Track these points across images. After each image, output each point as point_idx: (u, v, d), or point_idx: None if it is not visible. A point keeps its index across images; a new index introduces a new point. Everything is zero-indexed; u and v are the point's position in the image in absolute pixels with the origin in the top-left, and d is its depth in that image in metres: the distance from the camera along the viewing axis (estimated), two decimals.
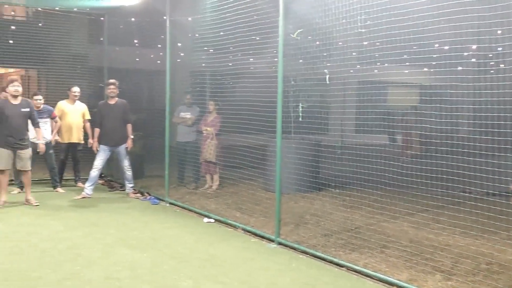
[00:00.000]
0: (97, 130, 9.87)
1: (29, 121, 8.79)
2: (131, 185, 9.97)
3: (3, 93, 10.17)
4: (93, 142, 9.95)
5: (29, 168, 8.79)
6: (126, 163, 9.80)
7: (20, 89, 8.65)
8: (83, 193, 9.59)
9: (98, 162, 9.66)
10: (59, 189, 10.27)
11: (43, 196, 9.51)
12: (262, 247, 6.68)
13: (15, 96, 8.58)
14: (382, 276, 5.40)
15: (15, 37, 13.04)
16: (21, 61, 13.31)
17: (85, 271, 5.52)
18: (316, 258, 6.15)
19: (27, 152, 8.71)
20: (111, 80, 9.92)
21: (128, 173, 9.86)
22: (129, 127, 9.80)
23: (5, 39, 12.99)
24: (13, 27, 13.89)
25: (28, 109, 8.68)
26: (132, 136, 9.80)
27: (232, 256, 6.22)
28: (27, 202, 8.78)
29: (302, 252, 6.37)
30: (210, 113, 10.21)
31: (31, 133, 9.03)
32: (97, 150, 9.83)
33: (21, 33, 12.99)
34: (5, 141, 8.50)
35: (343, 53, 6.90)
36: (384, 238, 6.58)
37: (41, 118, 9.65)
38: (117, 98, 9.82)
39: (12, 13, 15.60)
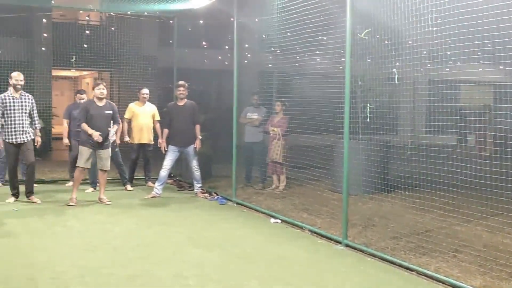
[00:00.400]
0: (165, 131, 10.08)
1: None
2: (199, 185, 10.13)
3: (78, 95, 10.60)
4: (161, 142, 10.19)
5: (108, 168, 9.16)
6: (194, 164, 9.96)
7: (105, 91, 9.04)
8: (153, 192, 9.83)
9: (167, 162, 9.88)
10: (128, 186, 10.62)
11: (114, 195, 9.81)
12: (329, 249, 6.63)
13: (100, 98, 8.95)
14: (454, 282, 5.24)
15: (89, 41, 13.55)
16: (94, 64, 13.83)
17: (155, 268, 5.65)
18: (384, 261, 6.04)
19: (107, 152, 9.06)
20: (180, 82, 10.09)
21: (197, 173, 10.02)
22: (198, 127, 9.96)
23: (80, 43, 13.53)
24: (87, 32, 14.44)
25: (111, 112, 9.03)
26: (200, 137, 9.95)
27: (299, 258, 6.21)
28: (100, 200, 9.10)
29: (370, 255, 6.27)
30: (277, 113, 10.23)
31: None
32: (165, 150, 10.05)
33: (95, 37, 13.47)
34: (87, 141, 8.83)
35: (412, 52, 6.73)
36: (456, 242, 6.39)
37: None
38: (186, 100, 9.98)
39: (87, 18, 16.21)
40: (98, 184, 9.57)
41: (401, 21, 6.44)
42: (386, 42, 6.81)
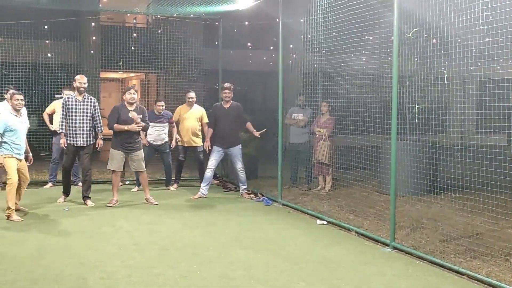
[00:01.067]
0: (210, 131, 10.17)
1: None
2: (245, 186, 10.17)
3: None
4: (206, 142, 10.28)
5: (144, 169, 9.22)
6: (239, 166, 10.00)
7: (135, 96, 9.08)
8: (199, 193, 9.92)
9: (212, 163, 9.97)
10: (171, 187, 10.77)
11: (160, 195, 9.94)
12: (376, 251, 6.55)
13: (131, 103, 9.00)
14: (507, 286, 5.10)
15: (136, 44, 13.79)
16: (141, 66, 14.06)
17: (201, 269, 5.71)
18: (433, 265, 5.93)
19: (140, 154, 9.13)
20: (226, 84, 10.14)
21: (242, 175, 10.06)
22: (249, 125, 10.02)
23: (128, 45, 13.78)
24: (134, 34, 14.70)
25: (141, 116, 9.01)
26: (258, 133, 9.96)
27: (346, 260, 6.16)
28: (146, 201, 9.23)
29: (419, 258, 6.17)
30: (323, 114, 10.17)
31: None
32: (209, 150, 10.15)
33: (142, 39, 13.70)
34: (119, 144, 8.97)
35: (462, 51, 6.58)
36: (509, 245, 6.20)
37: (160, 122, 10.26)
38: (231, 101, 10.04)
39: (134, 21, 16.50)
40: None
41: (450, 20, 6.31)
42: (434, 41, 6.68)
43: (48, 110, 10.65)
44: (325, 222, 7.94)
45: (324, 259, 6.13)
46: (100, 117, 9.14)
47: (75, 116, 8.82)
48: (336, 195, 9.54)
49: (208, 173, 9.95)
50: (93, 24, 14.86)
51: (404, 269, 5.86)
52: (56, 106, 10.36)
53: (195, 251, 6.41)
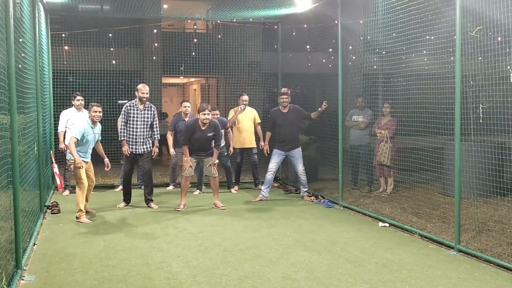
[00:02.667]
0: (268, 134, 10.33)
1: None
2: (306, 189, 10.21)
3: (183, 103, 10.91)
4: (264, 145, 10.42)
5: (216, 175, 9.29)
6: (300, 168, 10.05)
7: (210, 117, 8.99)
8: (260, 195, 10.03)
9: (272, 166, 10.06)
10: (232, 190, 10.93)
11: (221, 197, 9.97)
12: (441, 254, 6.45)
13: (204, 124, 8.95)
14: None
15: (196, 49, 14.03)
16: (201, 71, 14.30)
17: (264, 270, 5.78)
18: (501, 268, 5.79)
19: (211, 159, 9.19)
20: (283, 90, 10.23)
21: (303, 178, 10.10)
22: (313, 114, 10.06)
23: (188, 51, 14.05)
24: (195, 40, 14.96)
25: (213, 133, 9.02)
26: (322, 107, 9.87)
27: (410, 262, 6.10)
28: (215, 206, 9.33)
29: (485, 261, 6.04)
30: (384, 115, 10.09)
31: None
32: (268, 153, 10.30)
33: (202, 45, 13.94)
34: (192, 153, 9.15)
35: None
36: None
37: None
38: (289, 105, 10.12)
39: (194, 27, 16.77)
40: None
41: None
42: (499, 39, 6.52)
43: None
44: (387, 225, 7.88)
45: (387, 262, 6.09)
46: (157, 125, 9.36)
47: (136, 124, 9.06)
48: (398, 197, 9.42)
49: (269, 175, 10.05)
50: (155, 31, 15.23)
51: (470, 272, 5.75)
52: None
53: (258, 252, 6.49)
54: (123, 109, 9.20)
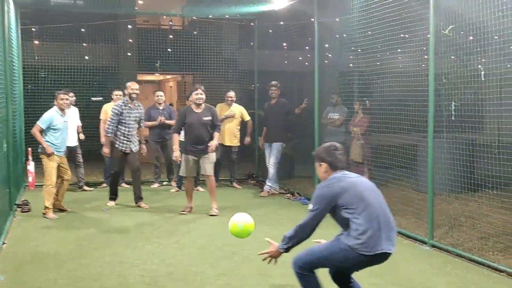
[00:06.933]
0: (264, 129, 10.67)
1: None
2: (270, 183, 10.25)
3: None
4: (260, 140, 10.82)
5: (212, 173, 8.70)
6: (272, 160, 10.18)
7: (203, 96, 8.56)
8: (268, 189, 10.34)
9: (267, 160, 10.34)
10: (200, 188, 10.75)
11: (197, 194, 9.95)
12: (414, 249, 6.56)
13: (198, 105, 8.59)
14: None
15: (172, 46, 13.96)
16: (178, 67, 14.22)
17: (240, 267, 5.82)
18: (472, 262, 5.94)
19: (211, 157, 8.64)
20: (273, 82, 10.48)
21: (271, 170, 10.20)
22: (296, 110, 10.39)
23: (164, 47, 13.97)
24: (171, 36, 14.90)
25: (209, 118, 8.57)
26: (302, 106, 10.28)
27: None
28: (211, 209, 8.67)
29: (457, 256, 6.17)
30: (357, 113, 10.19)
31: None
32: (263, 148, 10.59)
33: (178, 41, 13.86)
34: (188, 148, 8.58)
35: (499, 48, 6.53)
36: None
37: None
38: (278, 98, 10.37)
39: (170, 23, 16.71)
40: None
41: (486, 16, 6.27)
42: (471, 38, 6.64)
43: (103, 116, 10.55)
44: None
45: None
46: (143, 123, 9.34)
47: (129, 123, 8.89)
48: None
49: (270, 169, 10.25)
50: (129, 26, 15.10)
51: (442, 266, 5.87)
52: (107, 110, 10.14)
53: (234, 249, 6.51)
54: (115, 109, 8.88)
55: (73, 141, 10.16)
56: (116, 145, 8.94)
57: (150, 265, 5.87)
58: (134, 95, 8.88)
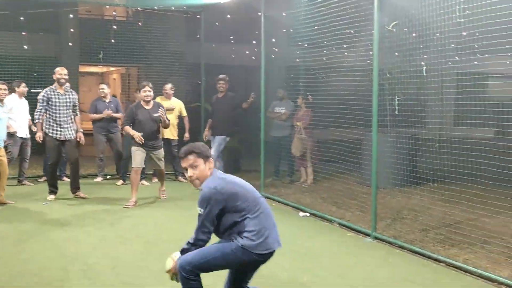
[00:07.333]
0: (209, 121, 10.56)
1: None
2: None
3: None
4: (205, 133, 10.66)
5: (163, 167, 9.01)
6: (212, 153, 10.12)
7: (151, 94, 8.71)
8: None
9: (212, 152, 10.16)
10: (144, 181, 10.58)
11: (142, 188, 9.80)
12: (358, 242, 6.68)
13: (147, 102, 8.66)
14: (482, 272, 5.28)
15: (116, 37, 13.66)
16: (122, 59, 13.95)
17: None
18: (413, 253, 6.09)
19: (161, 153, 8.89)
20: (221, 76, 10.39)
21: None
22: (243, 104, 10.30)
23: (107, 38, 13.65)
24: (114, 27, 14.59)
25: (159, 114, 8.64)
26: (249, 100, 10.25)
27: (329, 250, 6.28)
28: (160, 193, 9.23)
29: (399, 247, 6.32)
30: (300, 107, 10.29)
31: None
32: (208, 140, 10.47)
33: (122, 32, 13.59)
34: (141, 144, 8.56)
35: (440, 45, 6.72)
36: (485, 233, 6.37)
37: None
38: (226, 92, 10.31)
39: (114, 13, 16.34)
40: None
41: (428, 13, 6.43)
42: (414, 34, 6.80)
43: None
44: (308, 214, 8.05)
45: (308, 250, 6.24)
46: (78, 111, 9.09)
47: (59, 109, 8.66)
48: (318, 188, 9.65)
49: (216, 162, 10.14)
50: (71, 16, 14.67)
51: (385, 258, 6.00)
52: None
53: (180, 243, 6.39)
54: (41, 96, 8.70)
55: (24, 133, 9.88)
56: (50, 134, 8.70)
57: (93, 259, 5.73)
58: (62, 80, 8.72)
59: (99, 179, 10.96)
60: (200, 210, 3.98)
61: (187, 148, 4.09)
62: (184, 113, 10.94)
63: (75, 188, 9.05)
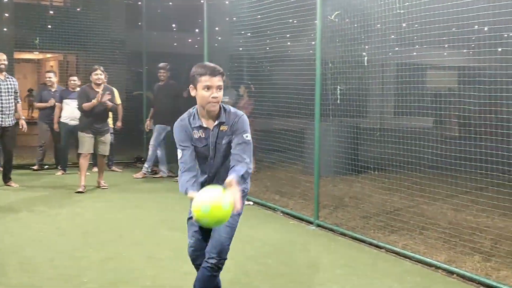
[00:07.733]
0: (151, 110, 10.52)
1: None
2: (147, 165, 10.29)
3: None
4: (147, 121, 10.66)
5: (107, 153, 9.11)
6: (151, 141, 10.11)
7: (102, 77, 8.70)
8: (142, 171, 10.29)
9: (151, 140, 10.19)
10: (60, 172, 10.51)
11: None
12: (301, 229, 6.74)
13: (98, 84, 8.63)
14: (420, 257, 5.43)
15: (53, 22, 13.24)
16: (59, 46, 13.53)
17: (128, 251, 5.68)
18: (355, 240, 6.20)
19: (107, 138, 8.92)
20: (161, 65, 10.28)
21: (149, 152, 10.23)
22: (185, 93, 9.91)
23: (44, 24, 13.20)
24: (51, 12, 14.13)
25: (110, 97, 8.66)
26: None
27: (273, 238, 6.31)
28: (98, 184, 9.05)
29: (341, 234, 6.42)
30: (242, 97, 10.28)
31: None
32: (150, 129, 10.51)
33: (60, 18, 13.18)
34: (88, 126, 8.64)
35: (381, 35, 6.84)
36: (423, 220, 6.58)
37: (75, 99, 9.94)
38: (167, 81, 10.22)
39: None
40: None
41: (370, 3, 6.52)
42: (356, 25, 6.89)
43: None
44: (251, 203, 8.06)
45: (251, 239, 6.24)
46: (19, 98, 8.96)
47: (0, 96, 8.49)
48: (262, 177, 9.68)
49: (149, 150, 10.19)
50: (5, 0, 14.11)
51: (327, 245, 6.08)
52: None
53: (121, 233, 6.35)
54: None
55: None
56: None
57: (30, 252, 5.55)
58: (2, 66, 8.58)
59: (35, 166, 10.70)
60: (248, 136, 3.55)
61: (219, 68, 3.55)
62: (118, 101, 10.70)
63: (6, 178, 8.96)
